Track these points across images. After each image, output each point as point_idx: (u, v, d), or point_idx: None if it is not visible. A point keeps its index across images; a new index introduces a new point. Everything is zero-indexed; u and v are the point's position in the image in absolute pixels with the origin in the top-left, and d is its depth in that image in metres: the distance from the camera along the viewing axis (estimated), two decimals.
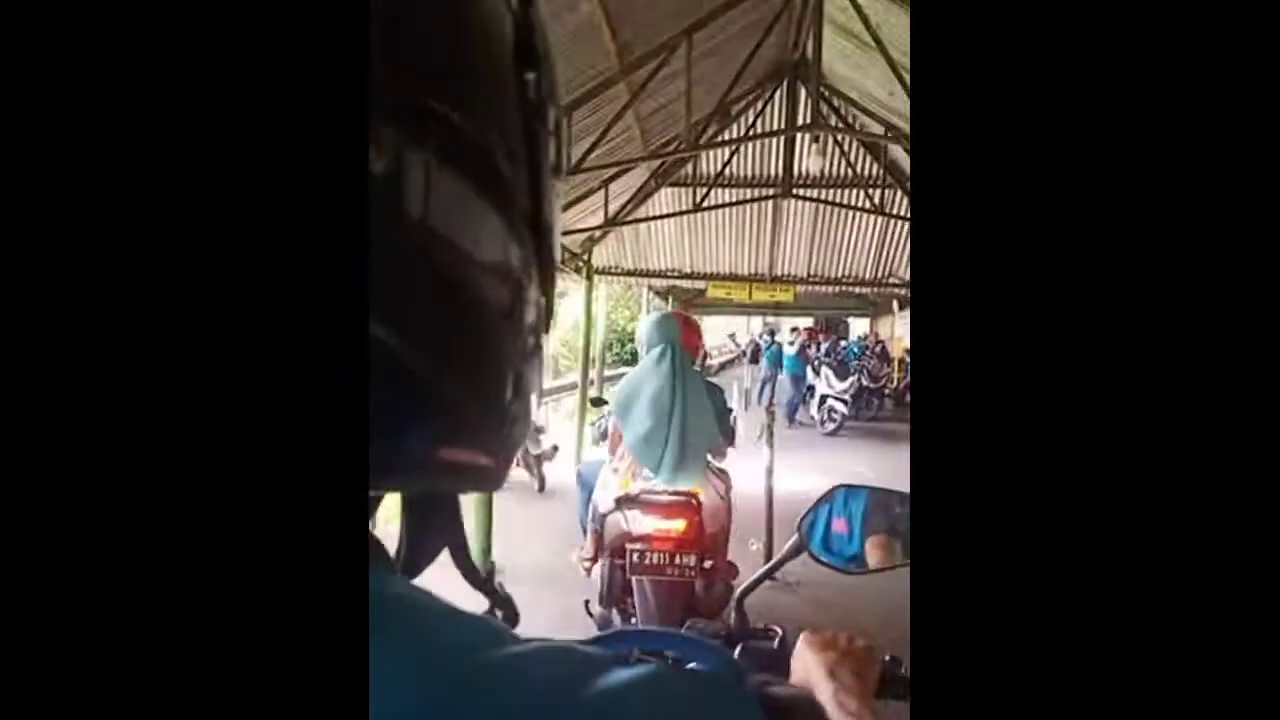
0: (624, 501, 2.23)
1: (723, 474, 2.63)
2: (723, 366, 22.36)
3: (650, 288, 13.88)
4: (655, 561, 2.16)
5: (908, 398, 11.66)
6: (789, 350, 10.39)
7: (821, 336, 11.36)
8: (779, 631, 0.72)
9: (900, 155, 6.08)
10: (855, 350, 11.87)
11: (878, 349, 13.29)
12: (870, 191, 6.64)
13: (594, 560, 2.38)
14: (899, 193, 6.58)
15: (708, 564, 2.22)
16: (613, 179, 5.93)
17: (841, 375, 9.50)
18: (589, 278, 7.40)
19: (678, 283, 8.27)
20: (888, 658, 0.60)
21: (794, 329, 10.87)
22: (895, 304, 14.62)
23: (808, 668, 0.56)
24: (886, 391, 12.06)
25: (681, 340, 2.41)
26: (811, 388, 9.98)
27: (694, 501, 2.22)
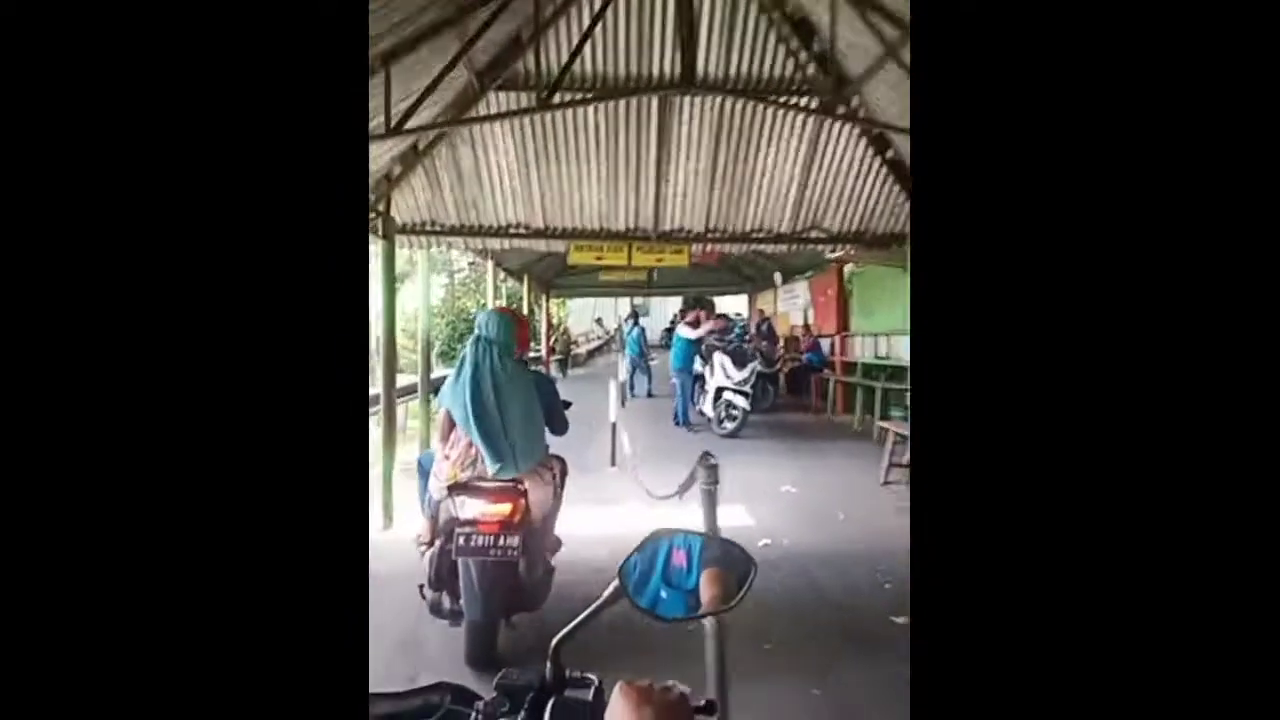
0: (454, 488, 2.50)
1: (557, 460, 2.84)
2: (590, 354, 20.59)
3: (498, 264, 11.31)
4: (480, 544, 2.41)
5: (810, 380, 10.41)
6: (684, 332, 8.49)
7: (705, 316, 9.54)
8: (594, 681, 0.76)
9: (839, 47, 4.18)
10: (740, 331, 10.35)
11: (764, 328, 11.88)
12: (800, 96, 4.69)
13: (430, 544, 2.61)
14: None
15: (545, 540, 2.66)
16: (393, 56, 3.47)
17: (739, 363, 7.82)
18: (388, 237, 4.86)
19: (529, 244, 5.82)
20: (702, 702, 0.64)
21: (682, 311, 9.05)
22: (777, 276, 13.32)
23: None
24: (780, 375, 10.73)
25: (512, 335, 2.68)
26: (701, 378, 8.27)
27: (520, 487, 2.53)
